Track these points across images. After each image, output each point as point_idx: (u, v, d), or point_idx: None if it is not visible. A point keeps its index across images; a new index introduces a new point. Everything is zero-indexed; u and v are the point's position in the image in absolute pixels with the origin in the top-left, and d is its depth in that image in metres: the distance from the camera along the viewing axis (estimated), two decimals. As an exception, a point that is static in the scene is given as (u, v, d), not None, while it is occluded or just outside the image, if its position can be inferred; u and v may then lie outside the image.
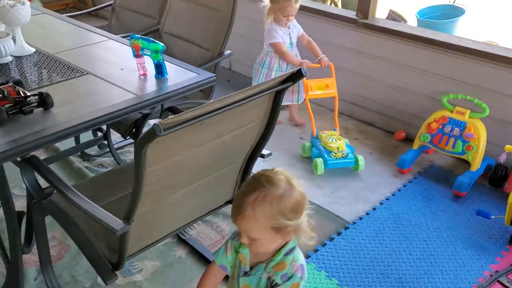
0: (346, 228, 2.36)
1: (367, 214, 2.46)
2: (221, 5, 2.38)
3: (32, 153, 1.54)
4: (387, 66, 3.11)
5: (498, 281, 2.06)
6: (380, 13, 3.25)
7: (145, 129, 2.06)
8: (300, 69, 1.44)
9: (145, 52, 1.80)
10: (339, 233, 2.32)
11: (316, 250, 2.20)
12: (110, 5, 2.99)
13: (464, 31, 4.41)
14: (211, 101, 1.31)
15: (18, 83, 1.66)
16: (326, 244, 2.25)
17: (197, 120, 1.21)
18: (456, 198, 2.58)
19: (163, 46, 1.78)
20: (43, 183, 1.58)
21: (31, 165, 1.56)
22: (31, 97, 1.57)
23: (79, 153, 2.77)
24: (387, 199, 2.57)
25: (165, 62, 1.84)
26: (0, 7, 1.94)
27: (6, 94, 1.54)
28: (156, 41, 1.78)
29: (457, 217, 2.44)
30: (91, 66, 1.96)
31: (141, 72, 1.87)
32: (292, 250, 1.33)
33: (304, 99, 3.03)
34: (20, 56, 2.03)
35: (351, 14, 3.22)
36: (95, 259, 1.52)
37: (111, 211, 1.38)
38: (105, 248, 1.54)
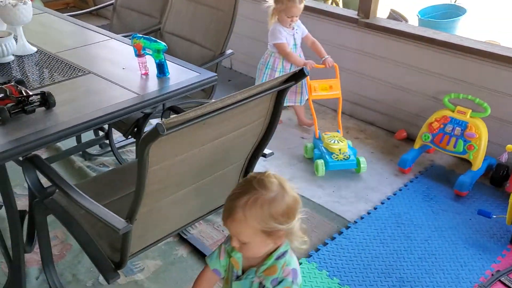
0: (347, 227, 2.36)
1: (368, 213, 2.46)
2: (223, 4, 2.38)
3: (34, 152, 1.54)
4: (388, 66, 3.10)
5: (500, 280, 2.06)
6: (381, 13, 3.25)
7: (146, 129, 2.07)
8: (302, 68, 1.43)
9: (147, 52, 1.80)
10: (340, 233, 2.32)
11: (317, 250, 2.21)
12: (111, 4, 2.99)
13: (465, 30, 4.41)
14: (213, 100, 1.30)
15: (20, 82, 1.66)
16: (327, 244, 2.25)
17: (200, 119, 1.20)
18: (457, 197, 2.58)
19: (164, 45, 1.78)
20: (45, 182, 1.58)
21: (33, 164, 1.57)
22: (33, 96, 1.57)
23: (80, 152, 2.78)
24: (388, 199, 2.57)
25: (166, 61, 1.84)
26: (2, 6, 1.95)
27: (8, 93, 1.54)
28: (157, 40, 1.78)
29: (458, 217, 2.44)
30: (92, 65, 1.96)
31: (143, 72, 1.87)
32: (283, 254, 1.31)
33: (308, 100, 3.02)
34: (22, 56, 2.03)
35: (352, 13, 3.22)
36: (97, 258, 1.51)
37: (113, 210, 1.37)
38: (107, 247, 1.54)
